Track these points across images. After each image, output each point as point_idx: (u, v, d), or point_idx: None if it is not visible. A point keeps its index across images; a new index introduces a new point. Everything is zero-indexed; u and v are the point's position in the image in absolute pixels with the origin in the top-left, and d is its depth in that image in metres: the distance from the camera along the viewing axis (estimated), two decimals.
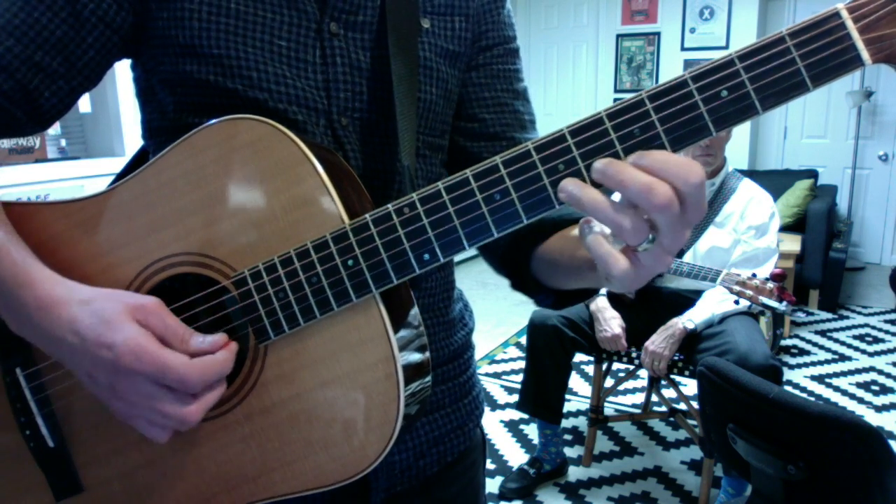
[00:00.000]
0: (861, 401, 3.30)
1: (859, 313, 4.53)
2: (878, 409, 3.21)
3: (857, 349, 3.93)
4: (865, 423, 1.24)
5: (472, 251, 0.60)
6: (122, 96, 2.98)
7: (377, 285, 0.57)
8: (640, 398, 3.26)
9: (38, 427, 0.65)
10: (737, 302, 2.18)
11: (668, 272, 2.42)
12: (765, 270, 2.32)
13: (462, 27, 0.76)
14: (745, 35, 5.32)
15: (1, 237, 0.60)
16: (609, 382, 2.88)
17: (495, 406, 3.27)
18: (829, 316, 4.47)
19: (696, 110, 0.49)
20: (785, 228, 4.07)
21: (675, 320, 2.41)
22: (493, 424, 3.08)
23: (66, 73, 0.66)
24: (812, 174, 5.03)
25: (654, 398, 2.91)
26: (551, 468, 2.63)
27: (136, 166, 0.73)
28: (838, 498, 1.34)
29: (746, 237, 2.44)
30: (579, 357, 2.89)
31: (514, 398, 2.93)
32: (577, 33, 6.13)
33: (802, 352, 3.91)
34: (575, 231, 0.72)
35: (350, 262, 0.57)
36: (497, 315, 4.45)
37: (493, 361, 3.83)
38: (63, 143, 3.01)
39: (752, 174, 4.53)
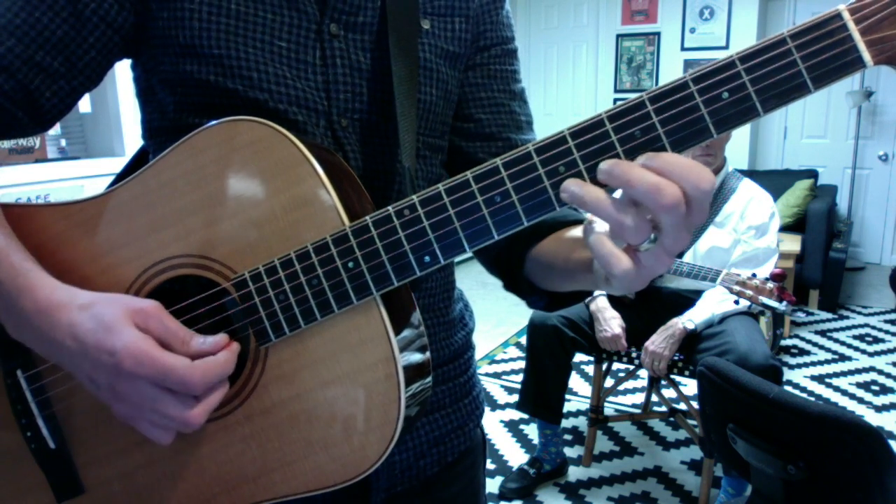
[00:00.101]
0: (861, 401, 3.30)
1: (859, 313, 4.53)
2: (878, 409, 3.21)
3: (857, 349, 3.93)
4: (865, 423, 1.24)
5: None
6: (122, 96, 2.98)
7: (378, 287, 0.57)
8: (640, 398, 3.26)
9: (39, 428, 0.65)
10: (737, 302, 2.19)
11: (668, 272, 2.42)
12: (765, 270, 2.32)
13: (462, 28, 0.76)
14: (745, 35, 5.32)
15: (0, 241, 0.60)
16: (609, 382, 2.88)
17: (495, 406, 3.27)
18: (829, 316, 4.47)
19: (697, 112, 0.49)
20: (785, 228, 4.07)
21: (675, 320, 2.41)
22: (493, 424, 3.08)
23: (67, 73, 0.66)
24: (812, 174, 5.03)
25: (654, 398, 2.91)
26: (551, 468, 2.63)
27: (136, 166, 0.73)
28: (838, 498, 1.34)
29: (746, 237, 2.44)
30: (579, 357, 2.89)
31: (514, 398, 2.93)
32: (577, 33, 6.13)
33: (802, 352, 3.91)
34: (569, 233, 0.72)
35: (351, 265, 0.57)
36: (497, 315, 4.45)
37: (493, 361, 3.83)
38: (63, 143, 3.01)
39: (752, 174, 4.53)
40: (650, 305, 2.56)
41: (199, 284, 0.62)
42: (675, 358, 2.44)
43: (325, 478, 0.61)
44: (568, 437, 2.97)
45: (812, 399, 3.15)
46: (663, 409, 2.92)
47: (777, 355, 3.69)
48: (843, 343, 4.02)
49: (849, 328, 4.27)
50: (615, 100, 5.81)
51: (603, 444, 2.90)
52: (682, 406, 2.75)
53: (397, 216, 0.56)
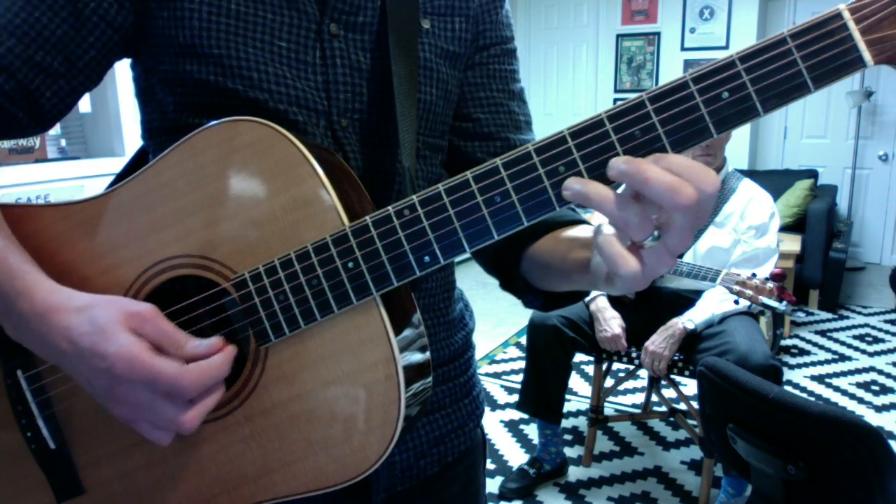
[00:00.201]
0: (861, 401, 3.30)
1: (859, 313, 4.53)
2: (878, 409, 3.21)
3: (857, 349, 3.93)
4: (865, 423, 1.24)
5: None
6: (122, 96, 2.98)
7: (378, 287, 0.57)
8: (640, 398, 3.26)
9: (39, 429, 0.65)
10: (737, 302, 2.19)
11: (668, 272, 2.42)
12: (765, 270, 2.32)
13: (462, 28, 0.76)
14: (745, 35, 5.32)
15: None
16: (609, 382, 2.88)
17: (495, 406, 3.27)
18: (829, 316, 4.47)
19: (697, 112, 0.49)
20: (785, 228, 4.07)
21: (675, 320, 2.41)
22: (493, 424, 3.08)
23: (67, 72, 0.66)
24: (812, 174, 5.03)
25: (654, 398, 2.91)
26: (551, 468, 2.63)
27: (136, 166, 0.73)
28: (838, 498, 1.34)
29: (746, 237, 2.44)
30: (579, 357, 2.89)
31: (514, 398, 2.93)
32: (577, 33, 6.13)
33: (802, 352, 3.91)
34: (567, 233, 0.72)
35: (350, 265, 0.57)
36: (497, 315, 4.45)
37: (493, 361, 3.83)
38: (63, 143, 3.01)
39: (752, 174, 4.54)
40: (650, 305, 2.56)
41: (199, 285, 0.62)
42: (675, 358, 2.44)
43: (326, 478, 0.61)
44: (568, 437, 2.97)
45: (812, 399, 3.15)
46: (663, 409, 2.92)
47: (777, 355, 3.69)
48: (843, 343, 4.02)
49: (849, 328, 4.27)
50: (615, 100, 5.81)
51: (603, 444, 2.90)
52: (682, 406, 2.75)
53: (397, 216, 0.56)
